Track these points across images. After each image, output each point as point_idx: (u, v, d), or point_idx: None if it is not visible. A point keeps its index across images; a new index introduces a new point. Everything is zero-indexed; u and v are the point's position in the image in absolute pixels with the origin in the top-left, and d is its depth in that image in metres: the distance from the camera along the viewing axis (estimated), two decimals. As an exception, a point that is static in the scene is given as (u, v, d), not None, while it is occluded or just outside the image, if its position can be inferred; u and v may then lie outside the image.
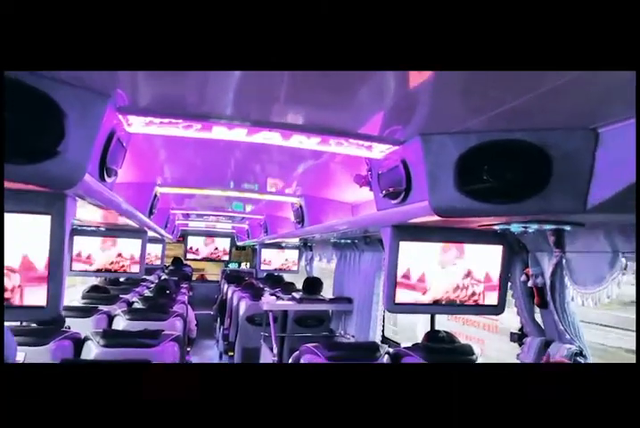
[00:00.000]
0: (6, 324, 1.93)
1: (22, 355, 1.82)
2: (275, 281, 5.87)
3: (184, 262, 8.37)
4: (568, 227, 1.44)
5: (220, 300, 6.33)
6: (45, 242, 1.31)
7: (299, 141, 1.50)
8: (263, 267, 6.05)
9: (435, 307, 1.91)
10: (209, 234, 8.20)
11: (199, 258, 8.55)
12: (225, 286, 6.34)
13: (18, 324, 2.41)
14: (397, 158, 1.50)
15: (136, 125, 1.37)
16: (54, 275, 1.31)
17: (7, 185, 1.17)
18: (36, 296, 1.32)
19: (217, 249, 8.49)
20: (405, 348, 2.18)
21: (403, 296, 1.87)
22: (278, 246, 5.83)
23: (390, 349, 2.21)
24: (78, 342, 2.21)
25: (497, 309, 1.94)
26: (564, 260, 1.62)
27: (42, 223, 1.32)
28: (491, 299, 1.92)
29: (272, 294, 4.63)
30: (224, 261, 8.86)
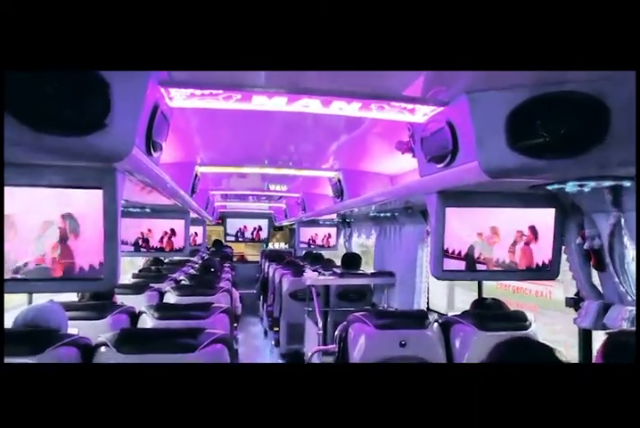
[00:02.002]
0: (58, 300, 2.04)
1: (76, 330, 1.91)
2: (315, 258, 5.91)
3: (224, 244, 8.55)
4: (628, 183, 1.37)
5: (262, 279, 6.46)
6: (96, 217, 1.35)
7: (340, 107, 1.47)
8: (302, 245, 6.10)
9: (484, 273, 1.87)
10: (248, 216, 8.32)
11: (238, 239, 8.72)
12: (266, 265, 6.45)
13: (75, 299, 2.54)
14: (441, 120, 1.45)
15: (178, 98, 1.38)
16: (110, 248, 1.35)
17: (57, 159, 1.20)
18: (93, 268, 1.38)
19: (255, 229, 8.62)
20: (454, 315, 2.16)
21: (450, 263, 1.84)
22: (316, 224, 5.85)
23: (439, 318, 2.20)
24: (134, 316, 2.31)
25: (551, 274, 1.88)
26: (623, 220, 1.54)
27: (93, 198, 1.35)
28: (545, 263, 1.86)
29: (313, 271, 4.68)
30: (262, 242, 9.00)
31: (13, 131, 0.98)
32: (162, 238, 3.25)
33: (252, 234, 8.62)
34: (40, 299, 2.20)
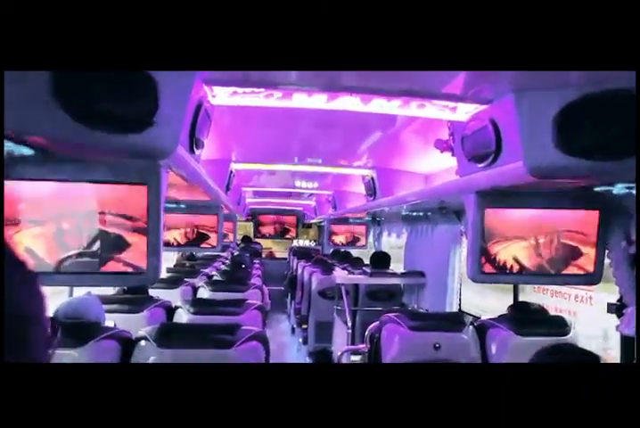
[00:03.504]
0: (95, 292, 2.09)
1: (112, 323, 1.96)
2: (343, 256, 5.91)
3: (253, 240, 8.65)
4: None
5: (290, 276, 6.49)
6: (137, 212, 1.38)
7: (380, 105, 1.46)
8: (331, 243, 6.10)
9: (523, 276, 1.82)
10: (278, 212, 8.38)
11: (267, 235, 8.80)
12: (295, 262, 6.48)
13: (111, 293, 2.61)
14: (484, 118, 1.42)
15: (221, 96, 1.40)
16: (153, 243, 1.38)
17: (104, 155, 1.24)
18: (135, 262, 1.41)
19: (284, 226, 8.69)
20: (491, 319, 2.12)
21: (488, 265, 1.80)
22: (346, 222, 5.84)
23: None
24: (170, 310, 2.36)
25: (594, 278, 1.82)
26: (674, 224, 1.48)
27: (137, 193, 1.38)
28: (587, 267, 1.80)
29: (342, 269, 4.67)
30: (290, 239, 9.06)
31: (66, 128, 1.01)
32: (196, 233, 3.30)
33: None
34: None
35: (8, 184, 1.30)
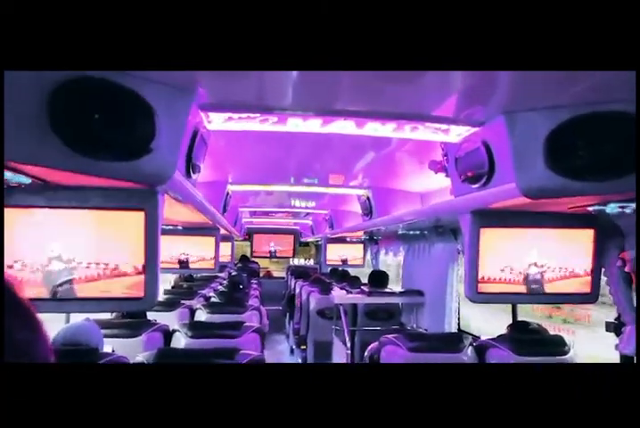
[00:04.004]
0: (94, 317, 2.07)
1: (110, 347, 1.94)
2: (341, 275, 5.88)
3: (251, 259, 8.61)
4: (674, 205, 1.32)
5: (289, 295, 6.45)
6: (135, 238, 1.38)
7: (374, 128, 1.48)
8: (328, 262, 6.09)
9: (521, 296, 1.82)
10: (274, 232, 8.38)
11: (264, 255, 8.77)
12: (293, 281, 6.45)
13: (109, 317, 2.59)
14: (477, 140, 1.44)
15: (216, 121, 1.42)
16: (151, 268, 1.38)
17: (101, 182, 1.24)
18: (133, 288, 1.40)
19: (281, 246, 8.67)
20: (490, 339, 2.11)
21: (486, 285, 1.80)
22: (343, 241, 5.84)
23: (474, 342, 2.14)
24: (167, 334, 2.34)
25: (590, 297, 1.82)
26: (668, 242, 1.49)
27: (132, 219, 1.39)
28: (583, 286, 1.81)
29: (341, 288, 4.65)
30: (288, 258, 9.03)
31: (63, 157, 1.02)
32: (192, 255, 3.29)
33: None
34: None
35: (5, 211, 1.30)
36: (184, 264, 3.14)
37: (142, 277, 1.37)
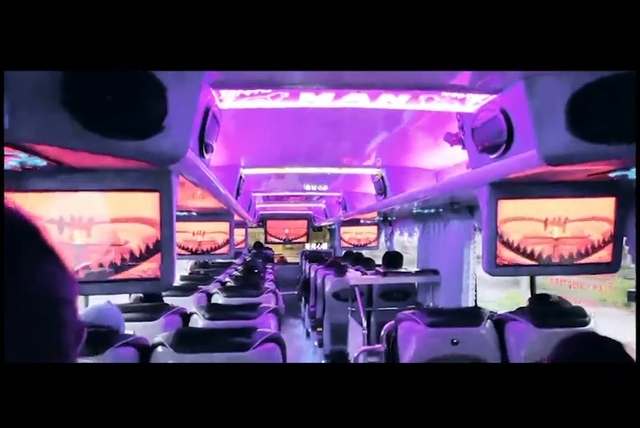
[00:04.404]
0: (115, 301, 2.10)
1: (131, 331, 1.96)
2: (355, 258, 5.89)
3: (265, 245, 8.66)
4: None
5: (303, 280, 6.48)
6: (151, 219, 1.38)
7: (388, 100, 1.45)
8: (342, 244, 6.09)
9: (540, 267, 1.80)
10: (287, 217, 8.39)
11: (278, 241, 8.82)
12: (307, 266, 6.47)
13: (126, 301, 2.62)
14: (494, 108, 1.40)
15: (228, 100, 1.40)
16: (167, 249, 1.38)
17: (115, 163, 1.24)
18: (150, 269, 1.41)
19: (294, 231, 8.71)
20: (509, 312, 2.09)
21: (503, 258, 1.78)
22: (357, 223, 5.83)
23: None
24: (186, 316, 2.36)
25: (612, 267, 1.79)
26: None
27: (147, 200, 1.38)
28: (604, 255, 1.78)
29: (355, 270, 4.65)
30: (302, 243, 9.07)
31: (75, 135, 1.01)
32: (207, 241, 3.31)
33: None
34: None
35: (21, 195, 1.31)
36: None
37: (158, 257, 1.38)
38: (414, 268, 4.02)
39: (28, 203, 1.31)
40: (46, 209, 1.34)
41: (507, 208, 1.74)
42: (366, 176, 3.21)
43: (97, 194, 1.37)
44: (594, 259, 1.79)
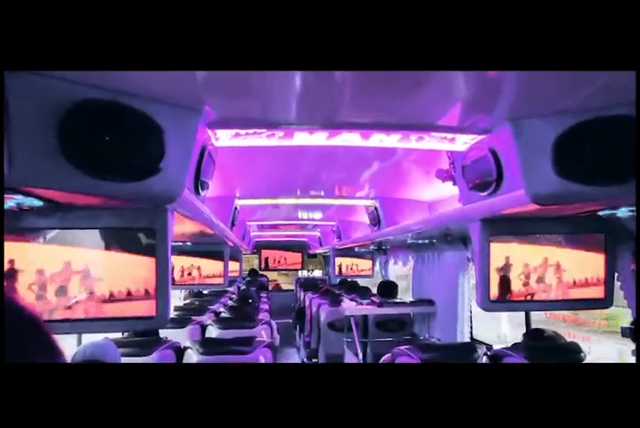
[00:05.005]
0: (110, 336, 2.07)
1: None
2: (350, 286, 5.85)
3: (259, 273, 8.61)
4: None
5: (298, 308, 6.42)
6: (143, 258, 1.38)
7: (380, 140, 1.49)
8: (337, 272, 6.07)
9: (534, 303, 1.80)
10: (282, 245, 8.38)
11: (273, 268, 8.79)
12: (302, 294, 6.42)
13: (120, 336, 2.58)
14: (483, 147, 1.44)
15: (223, 138, 1.43)
16: (162, 287, 1.38)
17: (112, 203, 1.25)
18: (144, 307, 1.40)
19: (289, 258, 8.69)
20: (505, 348, 2.08)
21: (497, 293, 1.79)
22: (352, 251, 5.82)
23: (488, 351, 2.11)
24: (179, 351, 2.33)
25: (605, 303, 1.80)
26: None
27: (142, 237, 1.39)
28: (597, 292, 1.79)
29: (350, 300, 4.62)
30: (296, 270, 9.03)
31: (75, 180, 1.03)
32: (201, 270, 3.30)
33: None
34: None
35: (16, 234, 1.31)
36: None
37: (153, 295, 1.37)
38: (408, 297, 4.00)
39: (23, 241, 1.31)
40: (39, 247, 1.34)
41: (499, 244, 1.76)
42: (361, 206, 3.24)
43: (92, 231, 1.37)
44: (586, 295, 1.80)
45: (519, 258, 1.78)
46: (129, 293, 1.38)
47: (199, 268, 3.27)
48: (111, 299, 1.38)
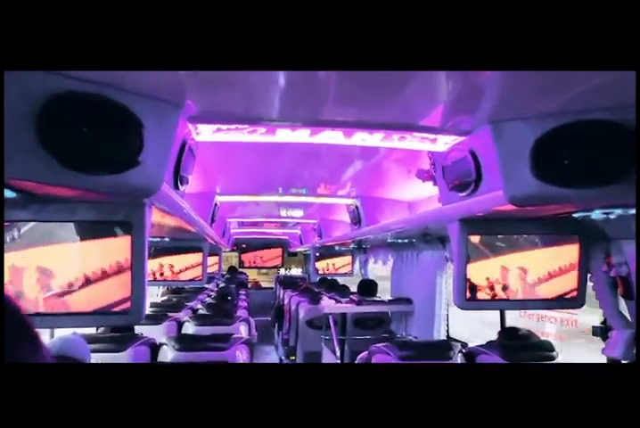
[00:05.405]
0: (80, 331, 2.04)
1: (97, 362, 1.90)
2: (330, 285, 5.87)
3: (239, 270, 8.56)
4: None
5: (277, 306, 6.41)
6: (119, 252, 1.36)
7: (362, 138, 1.49)
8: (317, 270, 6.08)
9: (509, 302, 1.84)
10: (262, 242, 8.34)
11: (252, 265, 8.74)
12: (281, 292, 6.41)
13: (94, 331, 2.54)
14: (463, 149, 1.46)
15: (205, 133, 1.42)
16: (137, 282, 1.36)
17: (89, 196, 1.23)
18: (120, 302, 1.38)
19: (269, 256, 8.65)
20: (479, 346, 2.11)
21: (474, 292, 1.82)
22: (332, 250, 5.84)
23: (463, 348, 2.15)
24: (154, 347, 2.30)
25: (577, 302, 1.84)
26: (652, 246, 1.52)
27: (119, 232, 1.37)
28: (570, 292, 1.83)
29: (330, 298, 4.63)
30: (276, 268, 9.01)
31: (50, 171, 1.01)
32: (179, 267, 3.26)
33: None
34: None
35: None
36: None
37: (128, 290, 1.35)
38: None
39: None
40: (16, 238, 1.31)
41: (477, 243, 1.79)
42: (342, 204, 3.25)
43: (68, 225, 1.35)
44: (560, 293, 1.84)
45: (496, 257, 1.81)
46: (103, 287, 1.35)
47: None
48: (84, 293, 1.35)
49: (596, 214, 1.45)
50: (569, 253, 1.83)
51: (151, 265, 3.15)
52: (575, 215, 1.50)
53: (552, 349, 2.07)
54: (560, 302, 1.86)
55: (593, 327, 1.91)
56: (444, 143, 1.51)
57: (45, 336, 2.22)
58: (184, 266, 3.25)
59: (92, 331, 2.53)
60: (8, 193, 1.12)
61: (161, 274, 3.17)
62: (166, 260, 3.17)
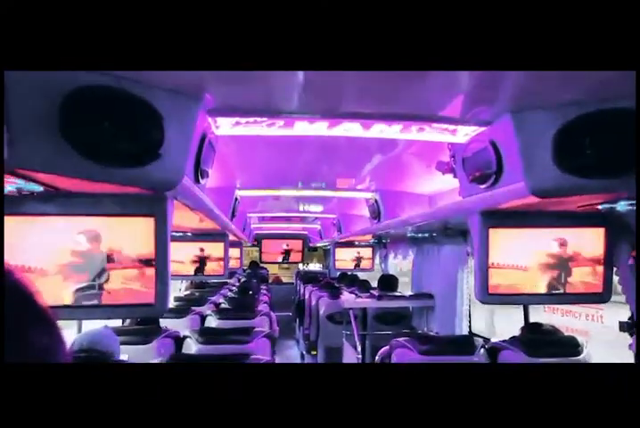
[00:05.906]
0: (109, 324, 2.09)
1: (126, 356, 1.95)
2: (350, 280, 5.87)
3: (260, 265, 8.62)
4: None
5: (298, 301, 6.44)
6: (143, 244, 1.39)
7: (380, 130, 1.49)
8: (337, 265, 6.08)
9: (532, 296, 1.81)
10: (283, 237, 8.36)
11: (274, 261, 8.76)
12: (302, 287, 6.44)
13: (120, 324, 2.61)
14: (484, 140, 1.44)
15: (224, 126, 1.43)
16: (161, 275, 1.39)
17: (112, 189, 1.26)
18: (144, 295, 1.40)
19: (290, 251, 8.65)
20: (502, 341, 2.09)
21: (497, 286, 1.79)
22: (352, 245, 5.83)
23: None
24: (178, 340, 2.35)
25: (603, 297, 1.80)
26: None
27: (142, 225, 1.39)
28: (595, 285, 1.79)
29: (350, 293, 4.63)
30: (297, 263, 9.03)
31: (74, 165, 1.04)
32: (203, 261, 3.30)
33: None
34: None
35: (17, 219, 1.32)
36: (201, 263, 3.16)
37: (152, 283, 1.38)
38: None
39: (24, 226, 1.32)
40: (40, 233, 1.35)
41: (499, 236, 1.76)
42: (361, 198, 3.24)
43: (92, 218, 1.38)
44: (585, 288, 1.80)
45: (518, 251, 1.78)
46: (128, 280, 1.38)
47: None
48: (111, 285, 1.38)
49: (622, 206, 1.41)
50: (595, 246, 1.79)
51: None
52: (599, 207, 1.46)
53: (577, 344, 2.02)
54: (585, 296, 1.82)
55: (620, 322, 1.86)
56: (464, 134, 1.49)
57: (72, 329, 2.28)
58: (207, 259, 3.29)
59: (118, 323, 2.60)
60: (34, 187, 1.16)
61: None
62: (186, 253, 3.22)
